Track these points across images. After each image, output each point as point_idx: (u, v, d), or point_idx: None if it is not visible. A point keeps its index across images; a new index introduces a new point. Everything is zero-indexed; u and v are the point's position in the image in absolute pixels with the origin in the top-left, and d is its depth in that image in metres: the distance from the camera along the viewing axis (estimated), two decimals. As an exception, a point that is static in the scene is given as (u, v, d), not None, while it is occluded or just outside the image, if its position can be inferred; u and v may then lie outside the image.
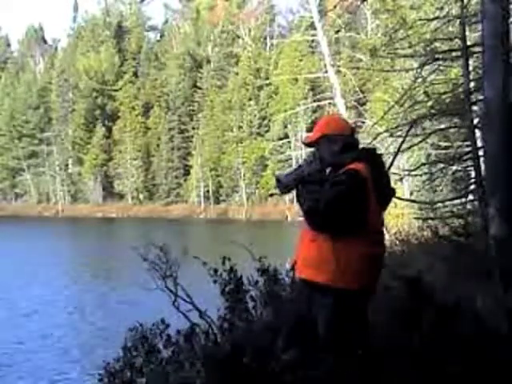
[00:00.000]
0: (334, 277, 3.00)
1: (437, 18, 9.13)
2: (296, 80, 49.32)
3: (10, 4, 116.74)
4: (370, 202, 3.05)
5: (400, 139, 10.89)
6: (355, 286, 3.03)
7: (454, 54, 8.85)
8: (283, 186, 3.21)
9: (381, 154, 3.32)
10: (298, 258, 3.20)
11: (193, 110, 63.54)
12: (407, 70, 12.16)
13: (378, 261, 3.16)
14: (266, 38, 64.90)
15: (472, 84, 8.58)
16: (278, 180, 3.22)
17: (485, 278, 5.60)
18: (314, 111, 49.33)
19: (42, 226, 50.16)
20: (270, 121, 56.30)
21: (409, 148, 11.10)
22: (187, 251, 5.71)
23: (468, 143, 9.24)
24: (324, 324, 3.02)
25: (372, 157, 3.20)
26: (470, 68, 8.61)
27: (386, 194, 3.21)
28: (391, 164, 3.52)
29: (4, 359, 11.21)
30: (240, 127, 57.67)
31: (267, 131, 56.49)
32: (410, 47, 9.27)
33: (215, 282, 5.25)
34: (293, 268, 3.27)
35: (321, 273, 3.03)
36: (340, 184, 3.02)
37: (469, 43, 8.69)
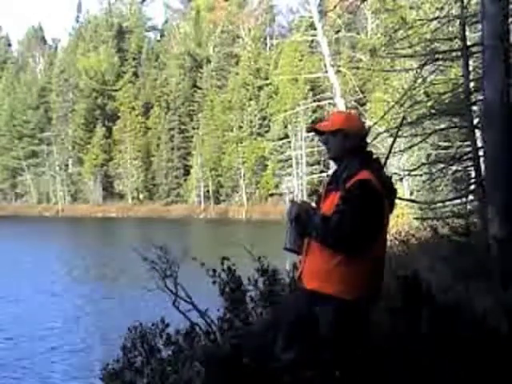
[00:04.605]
0: (341, 288, 2.98)
1: (437, 18, 9.13)
2: (296, 80, 49.29)
3: (10, 4, 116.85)
4: (384, 210, 3.04)
5: (401, 139, 10.91)
6: (361, 296, 3.01)
7: (454, 54, 8.86)
8: (294, 250, 3.20)
9: (378, 158, 3.30)
10: (304, 269, 3.16)
11: (193, 110, 63.53)
12: (407, 70, 12.17)
13: (381, 267, 3.15)
14: (266, 38, 64.90)
15: (472, 84, 8.59)
16: (286, 249, 3.20)
17: (485, 278, 5.60)
18: (314, 111, 49.29)
19: (42, 225, 50.14)
20: (270, 121, 56.27)
21: (409, 148, 11.12)
22: (187, 251, 5.70)
23: (468, 143, 9.24)
24: (326, 325, 3.02)
25: (375, 163, 3.19)
26: (470, 68, 8.62)
27: (393, 199, 3.20)
28: (384, 164, 3.52)
29: (2, 358, 11.20)
30: (240, 127, 57.64)
31: (267, 131, 56.46)
32: (410, 47, 9.27)
33: (214, 282, 5.25)
34: (299, 278, 3.23)
35: (328, 285, 3.01)
36: (355, 198, 2.96)
37: (469, 43, 8.70)
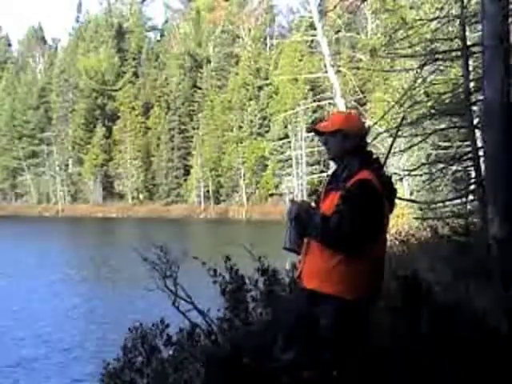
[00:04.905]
0: (341, 288, 2.98)
1: (437, 18, 9.12)
2: (296, 80, 49.30)
3: (10, 4, 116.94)
4: (384, 210, 3.05)
5: (401, 139, 10.91)
6: (361, 296, 3.01)
7: (454, 53, 8.85)
8: (295, 250, 3.19)
9: (377, 158, 3.30)
10: (303, 269, 3.16)
11: (193, 110, 63.55)
12: (407, 70, 12.17)
13: (381, 267, 3.15)
14: (266, 38, 64.91)
15: (472, 84, 8.59)
16: (286, 248, 3.19)
17: (485, 278, 5.60)
18: (314, 111, 49.33)
19: (42, 226, 50.15)
20: (270, 121, 56.30)
21: (409, 148, 11.12)
22: (187, 252, 5.71)
23: (468, 143, 9.24)
24: (326, 325, 3.01)
25: (375, 163, 3.19)
26: (470, 68, 8.62)
27: (393, 199, 3.21)
28: (384, 164, 3.55)
29: (3, 360, 11.20)
30: (240, 127, 57.67)
31: (267, 131, 56.48)
32: (410, 47, 9.27)
33: (215, 282, 5.25)
34: (298, 277, 3.23)
35: (328, 284, 3.00)
36: (355, 198, 2.97)
37: (469, 43, 8.69)
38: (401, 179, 15.75)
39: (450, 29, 9.30)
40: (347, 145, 3.16)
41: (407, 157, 19.50)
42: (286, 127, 53.22)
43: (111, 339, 10.50)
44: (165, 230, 38.89)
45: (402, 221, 15.59)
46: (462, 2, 8.39)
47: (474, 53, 8.40)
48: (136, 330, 5.05)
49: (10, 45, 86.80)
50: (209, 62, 65.24)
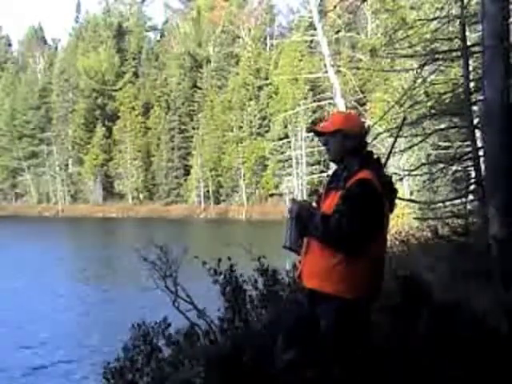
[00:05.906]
0: (341, 287, 2.98)
1: (437, 18, 9.12)
2: (296, 80, 49.28)
3: (10, 4, 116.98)
4: (384, 210, 3.05)
5: (401, 139, 10.91)
6: (361, 295, 3.01)
7: (454, 54, 8.85)
8: (295, 249, 3.19)
9: (378, 157, 3.30)
10: (303, 268, 3.16)
11: (193, 110, 63.53)
12: (407, 70, 12.17)
13: (381, 266, 3.16)
14: (266, 38, 64.90)
15: (472, 84, 8.58)
16: (286, 247, 3.19)
17: (485, 278, 5.60)
18: (314, 111, 49.32)
19: (42, 226, 50.14)
20: (270, 121, 56.28)
21: (409, 148, 11.11)
22: (187, 252, 5.71)
23: (468, 143, 9.23)
24: (326, 325, 3.02)
25: (375, 163, 3.19)
26: (470, 68, 8.61)
27: (393, 198, 3.21)
28: (384, 164, 3.56)
29: (3, 360, 11.21)
30: (240, 127, 57.63)
31: (267, 131, 56.45)
32: (410, 47, 9.27)
33: (216, 281, 5.25)
34: (298, 277, 3.23)
35: (328, 284, 3.01)
36: (354, 197, 2.97)
37: (469, 43, 8.69)
38: (401, 179, 15.72)
39: (450, 29, 9.29)
40: (347, 145, 3.16)
41: (407, 157, 19.48)
42: (286, 127, 53.20)
43: (111, 339, 10.49)
44: (165, 230, 38.88)
45: (402, 221, 15.57)
46: (462, 2, 8.39)
47: (474, 53, 8.40)
48: (139, 327, 5.06)
49: (10, 45, 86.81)
50: (209, 61, 65.21)
